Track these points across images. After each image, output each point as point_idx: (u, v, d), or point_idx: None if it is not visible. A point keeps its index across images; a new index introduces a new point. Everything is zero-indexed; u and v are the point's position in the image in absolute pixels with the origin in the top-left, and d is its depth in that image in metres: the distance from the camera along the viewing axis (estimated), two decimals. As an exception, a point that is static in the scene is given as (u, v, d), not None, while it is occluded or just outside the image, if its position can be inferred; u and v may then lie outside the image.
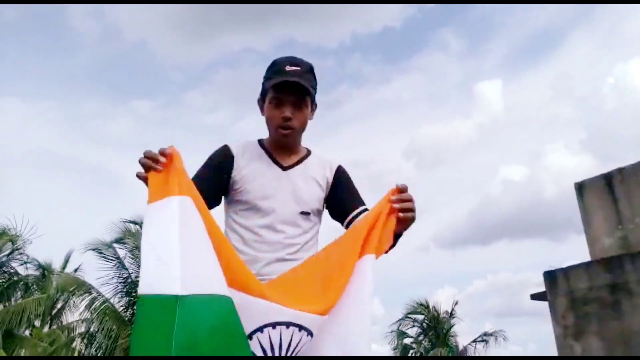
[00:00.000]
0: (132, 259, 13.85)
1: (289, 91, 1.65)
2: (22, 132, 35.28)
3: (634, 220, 5.29)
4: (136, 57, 39.22)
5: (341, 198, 1.77)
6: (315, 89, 1.72)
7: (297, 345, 1.33)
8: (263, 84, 1.74)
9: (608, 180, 5.62)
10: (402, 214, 1.47)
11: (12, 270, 15.97)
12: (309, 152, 1.83)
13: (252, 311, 1.27)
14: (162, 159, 1.32)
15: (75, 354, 10.75)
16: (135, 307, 13.95)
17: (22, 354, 14.53)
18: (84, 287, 13.61)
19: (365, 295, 1.36)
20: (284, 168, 1.74)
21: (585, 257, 5.57)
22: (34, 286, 16.52)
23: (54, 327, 17.95)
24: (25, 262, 16.33)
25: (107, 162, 38.98)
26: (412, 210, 1.48)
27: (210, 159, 1.73)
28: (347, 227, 1.72)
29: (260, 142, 1.80)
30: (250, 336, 1.28)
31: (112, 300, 13.50)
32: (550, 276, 5.35)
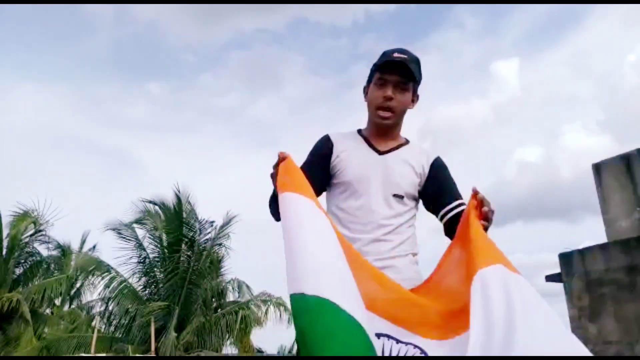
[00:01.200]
0: (151, 239, 14.05)
1: (393, 71, 1.73)
2: (38, 117, 35.72)
3: (652, 202, 5.21)
4: (148, 38, 39.19)
5: (437, 189, 1.79)
6: (419, 80, 1.80)
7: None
8: (371, 70, 1.83)
9: (626, 161, 5.54)
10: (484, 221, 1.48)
11: (34, 251, 16.34)
12: (407, 141, 1.88)
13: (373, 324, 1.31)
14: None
15: (95, 333, 11.01)
16: (152, 287, 14.17)
17: (46, 332, 14.93)
18: (102, 267, 13.87)
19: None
20: (381, 153, 1.80)
21: (602, 239, 5.52)
22: (54, 266, 16.89)
23: (74, 306, 18.40)
24: (46, 242, 16.69)
25: (124, 144, 39.40)
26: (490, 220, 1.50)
27: (314, 147, 1.86)
28: (441, 219, 1.77)
29: (359, 131, 1.89)
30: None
31: (130, 280, 13.76)
32: (566, 258, 5.32)
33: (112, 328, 13.73)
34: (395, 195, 1.73)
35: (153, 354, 10.11)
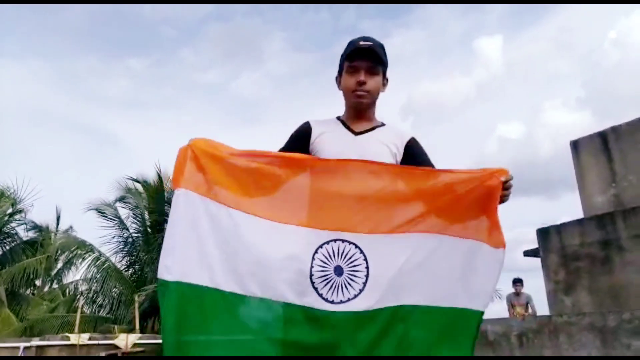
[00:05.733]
0: (134, 218, 13.95)
1: (363, 58, 1.83)
2: (13, 92, 34.79)
3: (627, 178, 5.36)
4: (125, 10, 38.21)
5: None
6: (386, 63, 1.89)
7: (350, 255, 1.65)
8: (340, 61, 1.92)
9: (603, 139, 5.66)
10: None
11: (12, 232, 16.11)
12: (383, 124, 1.95)
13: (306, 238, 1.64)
14: None
15: (78, 313, 10.99)
16: (136, 266, 14.11)
17: (28, 312, 14.84)
18: (85, 247, 13.77)
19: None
20: (356, 134, 1.88)
21: (580, 214, 5.67)
22: (32, 247, 16.67)
23: (55, 286, 18.27)
24: (24, 223, 16.46)
25: (103, 121, 38.72)
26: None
27: (293, 132, 1.94)
28: None
29: (338, 117, 1.98)
30: (316, 250, 1.64)
31: (113, 260, 13.70)
32: (543, 233, 5.46)
33: (96, 308, 13.71)
34: None
35: (138, 333, 10.16)
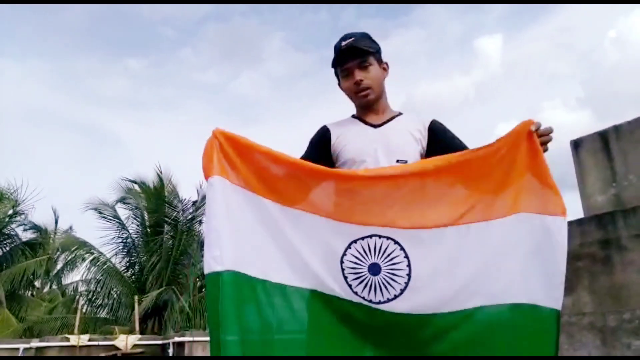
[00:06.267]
0: (134, 218, 13.93)
1: (349, 58, 1.81)
2: (14, 92, 34.80)
3: (627, 177, 5.34)
4: (124, 10, 38.19)
5: (445, 151, 1.77)
6: (376, 49, 1.86)
7: (389, 252, 1.55)
8: (333, 70, 1.92)
9: (604, 138, 5.64)
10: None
11: (12, 233, 16.09)
12: (400, 113, 1.93)
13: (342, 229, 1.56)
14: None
15: (78, 314, 10.98)
16: (136, 267, 14.10)
17: (28, 313, 14.81)
18: (85, 247, 13.76)
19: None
20: (376, 126, 1.85)
21: (579, 214, 5.66)
22: (32, 249, 16.61)
23: (55, 287, 18.25)
24: (23, 224, 16.43)
25: (102, 121, 38.70)
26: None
27: (312, 137, 1.92)
28: None
29: (353, 115, 1.96)
30: (349, 245, 1.56)
31: (113, 260, 13.67)
32: (544, 233, 5.44)
33: (96, 309, 13.70)
34: (399, 161, 1.76)
35: (138, 334, 10.16)
